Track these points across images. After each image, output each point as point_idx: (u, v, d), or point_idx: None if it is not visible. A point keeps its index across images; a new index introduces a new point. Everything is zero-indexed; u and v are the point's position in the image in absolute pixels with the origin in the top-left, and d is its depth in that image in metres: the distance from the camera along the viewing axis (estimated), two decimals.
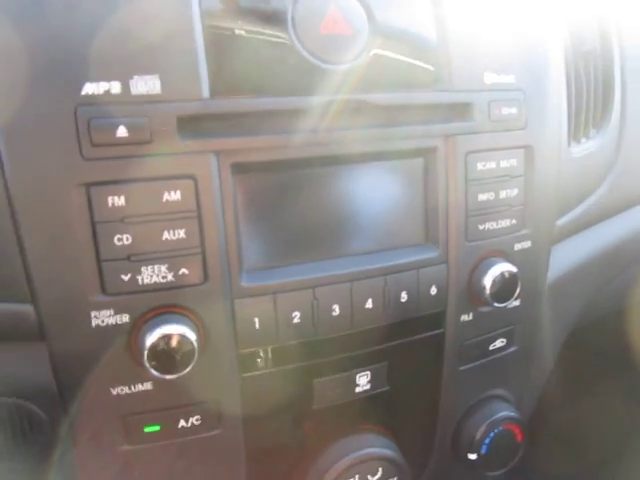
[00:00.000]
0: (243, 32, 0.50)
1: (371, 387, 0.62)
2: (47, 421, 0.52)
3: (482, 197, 0.62)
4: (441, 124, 0.59)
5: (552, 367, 0.81)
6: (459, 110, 0.59)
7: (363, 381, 0.62)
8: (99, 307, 0.49)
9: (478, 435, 0.69)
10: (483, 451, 0.69)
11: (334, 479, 0.60)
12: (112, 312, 0.50)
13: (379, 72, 0.55)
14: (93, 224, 0.48)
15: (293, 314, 0.55)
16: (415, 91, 0.57)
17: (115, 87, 0.46)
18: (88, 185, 0.47)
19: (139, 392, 0.52)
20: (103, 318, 0.49)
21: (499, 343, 0.69)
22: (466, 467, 0.70)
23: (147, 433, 0.54)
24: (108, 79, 0.46)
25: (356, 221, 0.59)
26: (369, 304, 0.58)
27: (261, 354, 0.56)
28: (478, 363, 0.69)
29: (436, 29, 0.58)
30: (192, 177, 0.49)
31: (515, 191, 0.64)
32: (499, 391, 0.73)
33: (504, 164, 0.63)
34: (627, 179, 0.77)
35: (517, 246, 0.66)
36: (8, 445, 0.51)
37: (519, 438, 0.70)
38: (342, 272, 0.57)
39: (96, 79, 0.46)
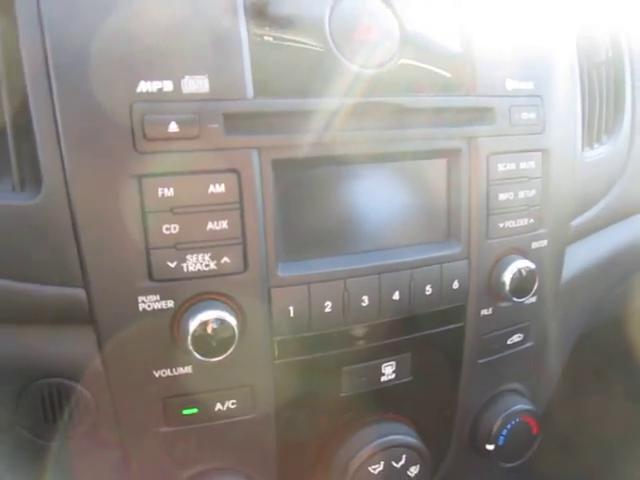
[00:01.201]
0: (284, 37, 0.54)
1: (396, 377, 0.65)
2: (93, 402, 0.54)
3: (502, 197, 0.65)
4: (465, 127, 0.62)
5: (564, 365, 0.84)
6: (482, 114, 0.63)
7: (388, 371, 0.65)
8: (146, 292, 0.52)
9: (495, 427, 0.71)
10: (500, 442, 0.72)
11: (360, 465, 0.63)
12: (158, 297, 0.52)
13: (409, 77, 0.59)
14: (144, 213, 0.51)
15: (325, 303, 0.58)
16: (442, 95, 0.61)
17: (167, 86, 0.50)
18: (140, 177, 0.50)
19: (180, 375, 0.55)
20: (149, 303, 0.52)
21: (516, 338, 0.72)
22: (483, 458, 0.73)
23: (185, 415, 0.57)
24: (161, 78, 0.50)
25: (384, 217, 0.62)
26: (396, 296, 0.61)
27: (294, 342, 0.59)
28: (496, 357, 0.71)
29: (461, 39, 0.61)
30: (236, 171, 0.53)
31: (533, 192, 0.68)
32: (515, 385, 0.76)
33: (523, 166, 0.66)
34: (637, 185, 0.80)
35: (534, 244, 0.69)
36: (52, 425, 0.54)
37: (535, 430, 0.73)
38: (371, 265, 0.60)
39: (150, 78, 0.49)
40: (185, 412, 0.57)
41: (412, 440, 0.65)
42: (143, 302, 0.52)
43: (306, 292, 0.57)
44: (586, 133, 0.75)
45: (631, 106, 0.80)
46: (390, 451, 0.64)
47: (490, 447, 0.71)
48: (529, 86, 0.66)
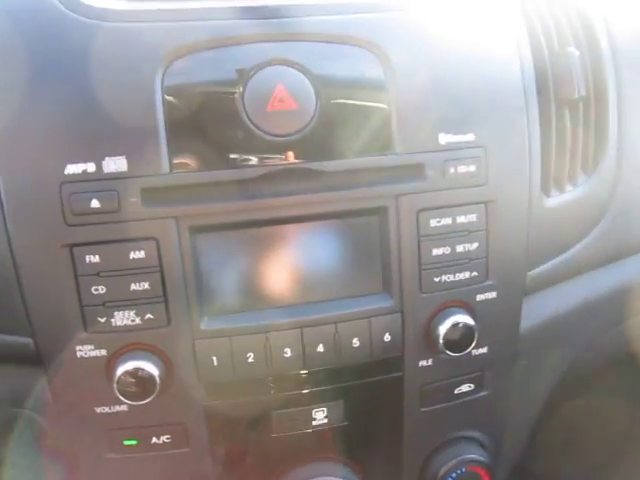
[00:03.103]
0: (200, 113, 0.59)
1: (328, 421, 0.68)
2: (47, 429, 0.65)
3: (437, 251, 0.65)
4: (390, 185, 0.63)
5: (540, 410, 0.81)
6: (409, 171, 0.63)
7: (320, 416, 0.68)
8: (82, 342, 0.61)
9: (441, 473, 0.72)
10: None
11: None
12: (92, 347, 0.61)
13: (330, 140, 0.61)
14: (76, 277, 0.59)
15: (247, 354, 0.63)
16: (363, 156, 0.62)
17: (90, 167, 0.57)
18: (71, 245, 0.58)
19: (117, 412, 0.63)
20: (85, 351, 0.61)
21: (465, 387, 0.72)
22: None
23: (127, 445, 0.65)
24: (85, 160, 0.57)
25: (311, 272, 0.65)
26: (320, 348, 0.64)
27: (222, 386, 0.65)
28: (443, 405, 0.72)
29: (387, 94, 0.61)
30: (154, 239, 0.59)
31: (475, 245, 0.66)
32: (471, 433, 0.75)
33: (461, 220, 0.65)
34: (620, 226, 0.74)
35: (480, 297, 0.68)
36: (14, 446, 0.65)
37: None
38: (293, 319, 0.63)
39: (76, 161, 0.57)
40: (126, 442, 0.65)
41: None
42: (80, 350, 0.61)
43: (228, 344, 0.63)
44: (552, 176, 0.71)
45: (616, 139, 0.73)
46: None
47: None
48: (468, 138, 0.64)
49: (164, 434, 0.65)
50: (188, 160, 0.59)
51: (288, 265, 0.64)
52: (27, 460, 0.65)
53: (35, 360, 0.62)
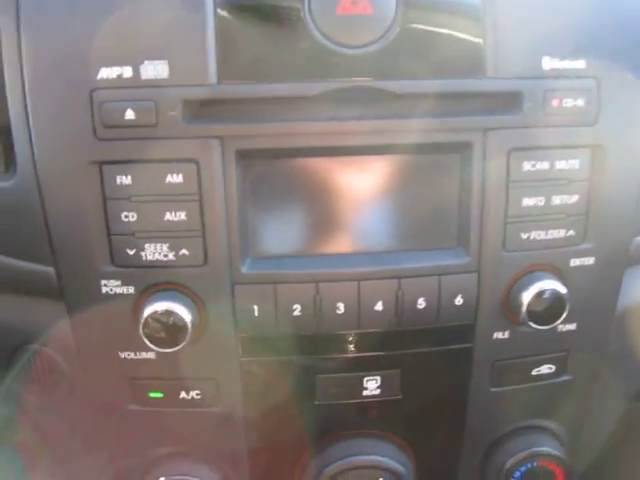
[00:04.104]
0: (255, 16, 0.49)
1: (381, 393, 0.59)
2: (69, 370, 0.58)
3: (528, 201, 0.54)
4: (478, 116, 0.52)
5: (628, 407, 0.69)
6: (503, 99, 0.52)
7: (372, 385, 0.59)
8: (108, 277, 0.53)
9: (507, 465, 0.61)
10: None
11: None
12: (119, 283, 0.53)
13: (409, 55, 0.51)
14: (104, 200, 0.51)
15: (294, 306, 0.54)
16: (448, 78, 0.51)
17: (127, 72, 0.49)
18: (100, 163, 0.50)
19: (143, 359, 0.56)
20: (111, 287, 0.53)
21: (545, 369, 0.61)
22: None
23: (152, 398, 0.58)
24: (121, 64, 0.49)
25: (374, 217, 0.55)
26: (379, 306, 0.55)
27: (262, 341, 0.56)
28: (517, 387, 0.61)
29: (481, 2, 0.50)
30: (194, 161, 0.50)
31: (575, 197, 0.55)
32: (545, 422, 0.64)
33: (561, 165, 0.54)
34: None
35: (574, 262, 0.57)
36: (28, 389, 0.58)
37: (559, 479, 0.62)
38: (349, 270, 0.54)
39: (111, 64, 0.49)
40: (151, 395, 0.58)
41: (388, 462, 0.59)
42: (105, 285, 0.53)
43: (272, 292, 0.54)
44: None
45: None
46: (363, 471, 0.58)
47: None
48: (578, 65, 0.52)
49: (194, 389, 0.57)
50: (239, 70, 0.50)
51: (348, 206, 0.54)
52: (43, 402, 0.59)
53: (56, 293, 0.55)
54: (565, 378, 0.62)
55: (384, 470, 0.59)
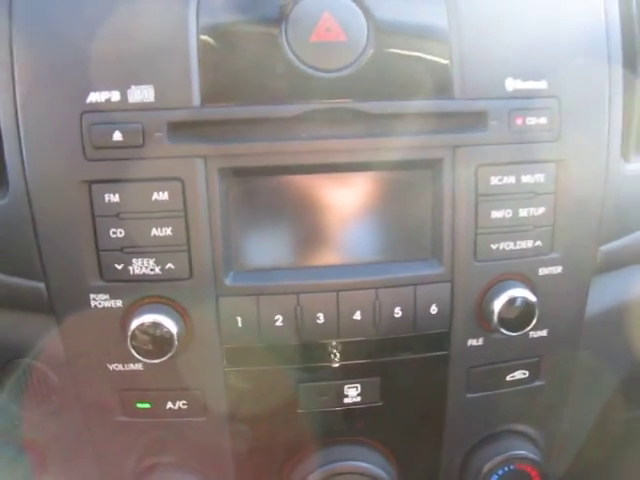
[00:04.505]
0: (237, 43, 0.52)
1: (362, 400, 0.61)
2: (58, 384, 0.60)
3: (496, 214, 0.57)
4: (447, 134, 0.55)
5: (602, 410, 0.71)
6: (470, 118, 0.55)
7: (352, 393, 0.61)
8: (97, 291, 0.55)
9: (486, 469, 0.64)
10: None
11: None
12: (108, 297, 0.55)
13: (382, 79, 0.54)
14: (93, 217, 0.54)
15: (276, 317, 0.56)
16: (418, 99, 0.54)
17: (115, 96, 0.52)
18: (90, 182, 0.53)
19: (131, 371, 0.58)
20: (100, 301, 0.55)
21: (519, 374, 0.63)
22: None
23: (139, 408, 0.59)
24: (109, 88, 0.52)
25: (352, 231, 0.58)
26: (357, 316, 0.57)
27: (246, 351, 0.58)
28: (492, 393, 0.63)
29: (448, 25, 0.54)
30: (179, 179, 0.53)
31: (541, 209, 0.58)
32: (521, 427, 0.67)
33: (527, 179, 0.57)
34: None
35: (543, 271, 0.60)
36: (21, 402, 0.60)
37: None
38: (328, 281, 0.57)
39: (99, 89, 0.51)
40: (139, 405, 0.60)
41: (371, 468, 0.61)
42: (94, 299, 0.55)
43: (255, 303, 0.56)
44: (635, 140, 0.62)
45: None
46: (346, 477, 0.60)
47: None
48: (540, 85, 0.56)
49: (180, 399, 0.59)
50: (221, 93, 0.53)
51: (326, 220, 0.57)
52: (36, 415, 0.61)
53: (47, 308, 0.57)
54: (539, 383, 0.64)
55: (367, 476, 0.61)
